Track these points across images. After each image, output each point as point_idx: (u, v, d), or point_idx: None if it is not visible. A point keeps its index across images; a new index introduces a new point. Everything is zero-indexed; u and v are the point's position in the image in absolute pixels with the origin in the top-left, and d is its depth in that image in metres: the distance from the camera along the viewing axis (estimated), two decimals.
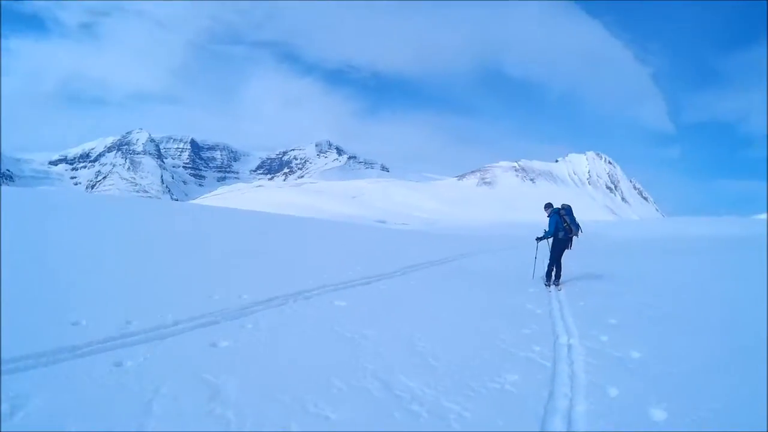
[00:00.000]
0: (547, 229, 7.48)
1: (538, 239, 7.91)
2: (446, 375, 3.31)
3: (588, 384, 3.23)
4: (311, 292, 5.74)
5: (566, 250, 7.43)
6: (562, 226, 7.29)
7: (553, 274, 7.25)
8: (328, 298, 5.55)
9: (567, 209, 7.45)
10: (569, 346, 4.17)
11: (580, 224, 7.41)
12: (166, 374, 2.94)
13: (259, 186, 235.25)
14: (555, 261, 7.28)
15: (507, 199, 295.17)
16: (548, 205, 7.71)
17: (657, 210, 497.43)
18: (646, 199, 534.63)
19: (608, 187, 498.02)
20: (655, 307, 5.78)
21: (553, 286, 7.11)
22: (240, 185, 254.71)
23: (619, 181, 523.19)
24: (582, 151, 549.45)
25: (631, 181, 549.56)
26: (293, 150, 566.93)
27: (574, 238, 7.46)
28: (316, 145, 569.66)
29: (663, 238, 29.52)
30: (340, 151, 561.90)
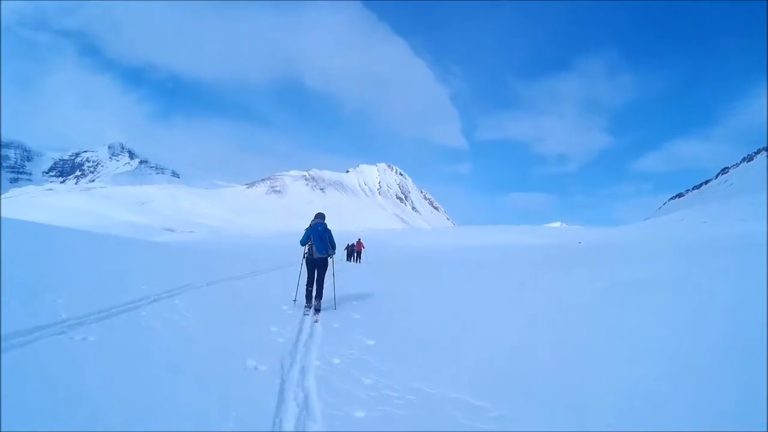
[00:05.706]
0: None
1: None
2: None
3: None
4: None
5: (327, 270, 6.51)
6: (317, 244, 6.37)
7: (314, 298, 6.21)
8: None
9: (314, 226, 6.45)
10: None
11: (335, 242, 6.62)
12: None
13: (50, 189, 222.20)
14: (311, 282, 6.32)
15: (296, 207, 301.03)
16: (317, 215, 6.67)
17: (448, 219, 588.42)
18: (437, 208, 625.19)
19: (399, 197, 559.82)
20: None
21: (311, 314, 5.88)
22: (31, 188, 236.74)
23: (410, 192, 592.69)
24: (374, 162, 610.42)
25: (422, 192, 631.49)
26: (86, 152, 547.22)
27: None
28: (109, 147, 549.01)
29: (457, 248, 30.53)
30: (132, 155, 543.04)
